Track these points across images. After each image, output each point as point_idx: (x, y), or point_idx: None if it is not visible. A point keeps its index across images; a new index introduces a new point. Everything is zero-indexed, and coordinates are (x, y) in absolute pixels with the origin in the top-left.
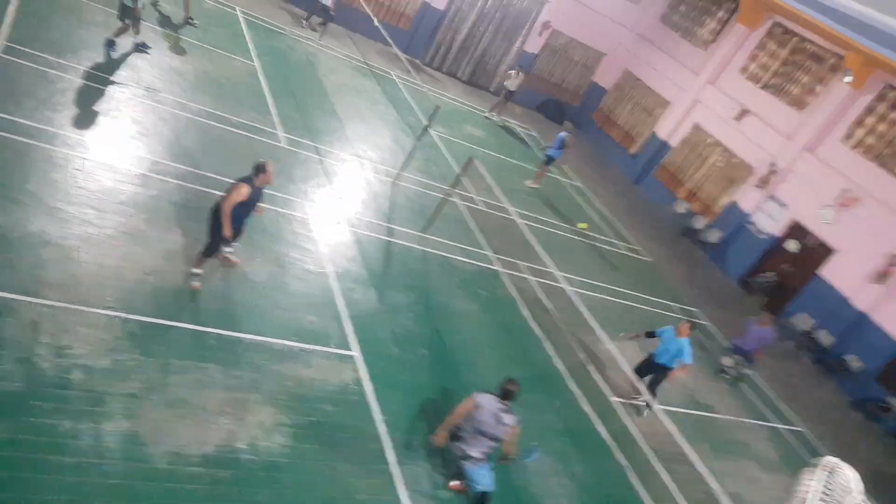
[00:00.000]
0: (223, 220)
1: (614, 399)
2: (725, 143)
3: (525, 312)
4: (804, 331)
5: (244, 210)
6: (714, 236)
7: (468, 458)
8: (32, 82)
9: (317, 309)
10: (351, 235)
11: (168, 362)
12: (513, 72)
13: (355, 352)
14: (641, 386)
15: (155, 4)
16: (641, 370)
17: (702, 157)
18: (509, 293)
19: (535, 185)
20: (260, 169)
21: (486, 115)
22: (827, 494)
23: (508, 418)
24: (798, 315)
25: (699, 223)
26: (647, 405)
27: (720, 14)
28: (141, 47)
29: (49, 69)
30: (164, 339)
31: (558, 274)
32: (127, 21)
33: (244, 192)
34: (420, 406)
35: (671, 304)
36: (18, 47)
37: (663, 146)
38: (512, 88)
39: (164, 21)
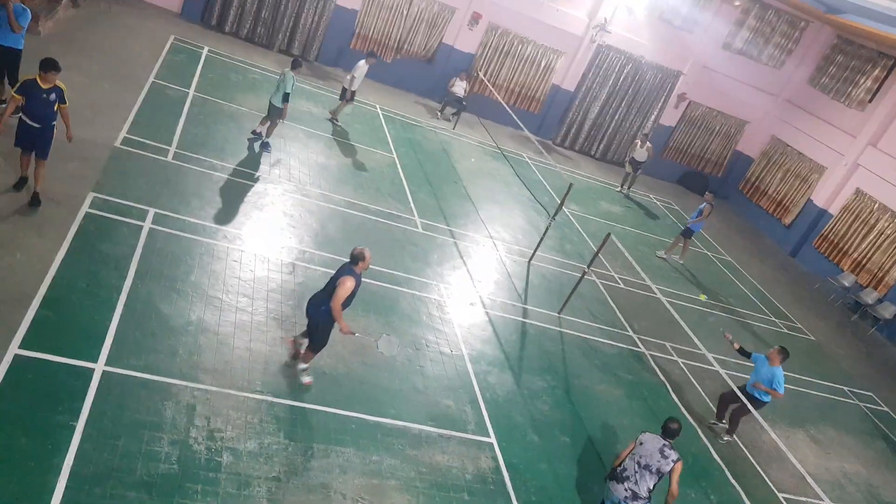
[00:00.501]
0: (338, 319)
1: (782, 495)
2: (895, 209)
3: (675, 398)
4: None
5: (347, 302)
6: (888, 311)
7: (636, 497)
8: (198, 183)
9: (453, 393)
10: (485, 317)
11: (310, 446)
12: (638, 141)
13: (492, 438)
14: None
15: (333, 121)
16: (727, 398)
17: (868, 225)
18: (656, 377)
19: (664, 256)
20: (359, 257)
21: (619, 190)
22: None
23: (672, 453)
24: None
25: (869, 297)
26: (727, 434)
27: (876, 72)
28: (255, 136)
29: (213, 171)
30: (307, 422)
31: (710, 355)
32: (276, 119)
33: (350, 286)
34: (562, 498)
35: (841, 386)
36: (187, 153)
37: (822, 214)
38: (639, 159)
39: (313, 121)
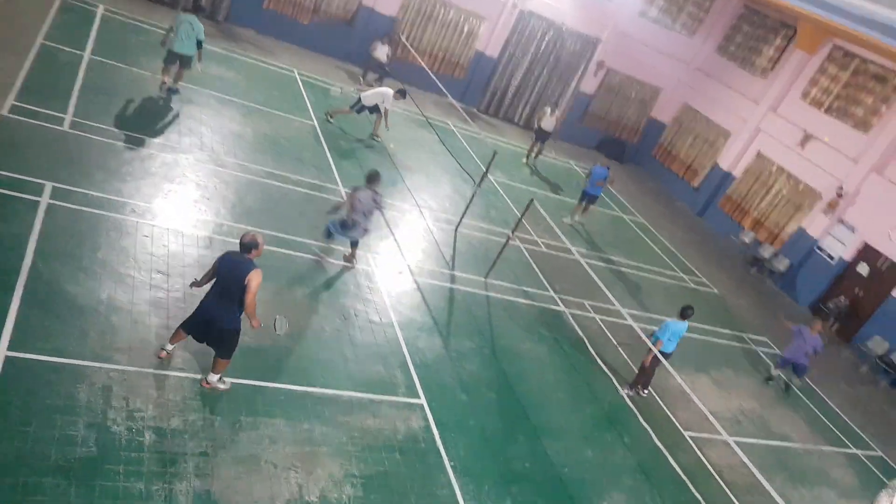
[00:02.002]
0: (253, 317)
1: (687, 433)
2: (790, 170)
3: (592, 351)
4: (879, 355)
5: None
6: (782, 264)
7: (366, 231)
8: (101, 155)
9: (383, 359)
10: (414, 284)
11: (237, 419)
12: (547, 109)
13: (422, 399)
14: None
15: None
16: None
17: (766, 186)
18: (576, 333)
19: (570, 221)
20: (252, 244)
21: (525, 161)
22: None
23: (379, 196)
24: (873, 339)
25: (766, 252)
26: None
27: (777, 41)
28: (173, 91)
29: (116, 141)
30: (232, 396)
31: (624, 311)
32: (170, 65)
33: (260, 279)
34: (490, 450)
35: (741, 334)
36: (86, 122)
37: (726, 177)
38: (546, 128)
39: (225, 86)
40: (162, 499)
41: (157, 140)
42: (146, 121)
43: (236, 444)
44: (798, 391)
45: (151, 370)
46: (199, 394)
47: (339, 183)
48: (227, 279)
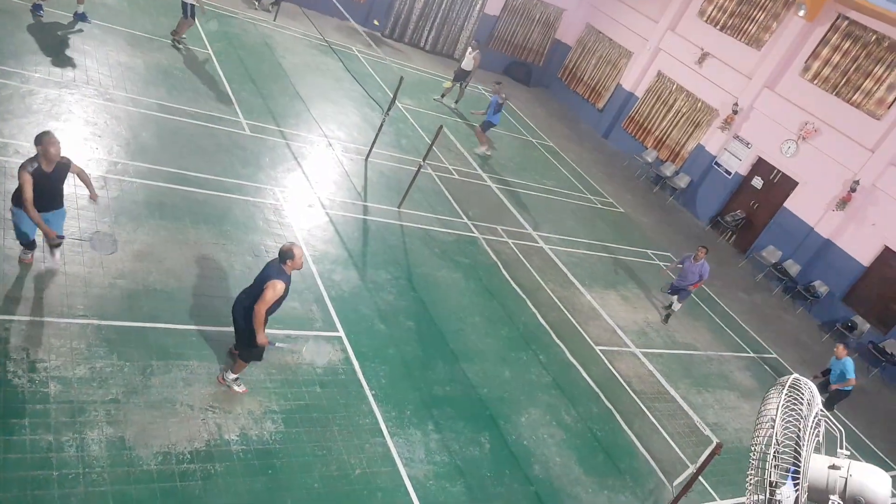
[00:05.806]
0: (257, 327)
1: (598, 348)
2: (689, 89)
3: (507, 275)
4: (773, 263)
5: (273, 307)
6: (683, 181)
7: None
8: None
9: (298, 294)
10: (325, 217)
11: (148, 364)
12: (469, 48)
13: (340, 332)
14: None
15: (176, 42)
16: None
17: (667, 105)
18: (490, 258)
19: (486, 151)
20: (287, 255)
21: (452, 106)
22: (791, 409)
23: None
24: (767, 248)
25: (668, 170)
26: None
27: None
28: (81, 18)
29: None
30: (141, 341)
31: (535, 234)
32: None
33: (280, 289)
34: (410, 377)
35: (646, 250)
36: None
37: (629, 97)
38: (466, 68)
39: (109, 14)
40: (73, 448)
41: (37, 75)
42: (25, 54)
43: (149, 389)
44: (681, 313)
45: (52, 318)
46: (105, 340)
47: (240, 115)
48: (256, 279)
